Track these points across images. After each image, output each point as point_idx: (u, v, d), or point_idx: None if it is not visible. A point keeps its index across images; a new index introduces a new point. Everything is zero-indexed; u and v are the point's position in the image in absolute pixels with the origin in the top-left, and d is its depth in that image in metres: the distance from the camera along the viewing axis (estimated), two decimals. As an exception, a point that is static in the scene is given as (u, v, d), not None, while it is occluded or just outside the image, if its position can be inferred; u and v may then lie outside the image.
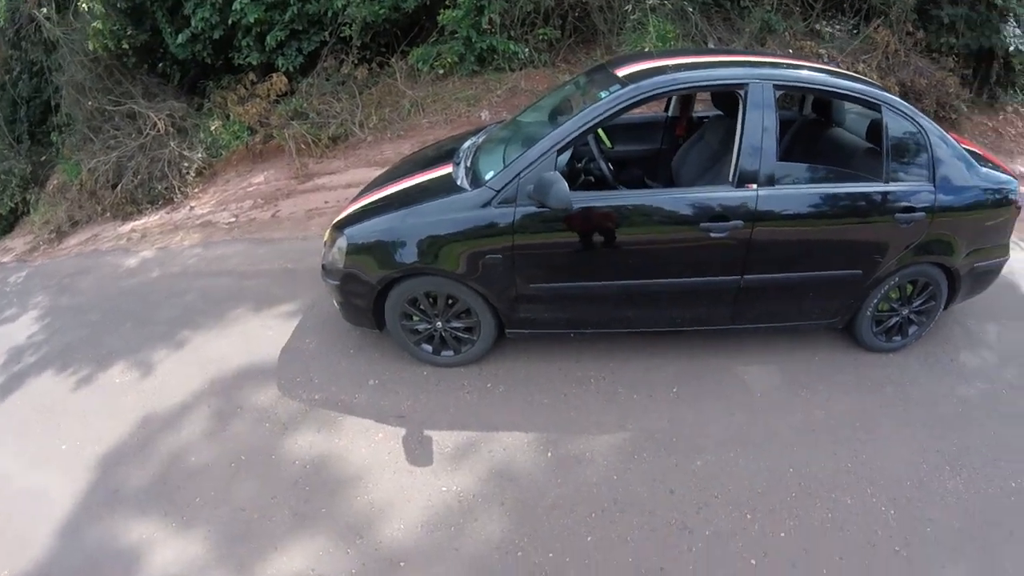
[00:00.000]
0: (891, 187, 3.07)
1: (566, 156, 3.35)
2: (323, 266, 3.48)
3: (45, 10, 7.03)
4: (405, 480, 2.88)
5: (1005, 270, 4.28)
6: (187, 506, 2.97)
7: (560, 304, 3.26)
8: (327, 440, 3.18)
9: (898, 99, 3.19)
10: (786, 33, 6.66)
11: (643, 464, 2.90)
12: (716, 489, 2.79)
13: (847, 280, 3.25)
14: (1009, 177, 3.39)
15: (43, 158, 8.71)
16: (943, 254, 3.28)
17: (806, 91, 3.58)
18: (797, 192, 3.05)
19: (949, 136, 3.27)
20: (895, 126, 3.07)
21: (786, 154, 3.54)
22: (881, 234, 3.15)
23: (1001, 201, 3.31)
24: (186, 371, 3.98)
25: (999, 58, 7.12)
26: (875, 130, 3.21)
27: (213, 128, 7.21)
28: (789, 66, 3.40)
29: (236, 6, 6.60)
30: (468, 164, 3.33)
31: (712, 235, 2.98)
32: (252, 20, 6.69)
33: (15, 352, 4.90)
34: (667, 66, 3.18)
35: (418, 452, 3.00)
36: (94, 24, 6.68)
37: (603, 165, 3.42)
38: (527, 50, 6.74)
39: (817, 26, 7.16)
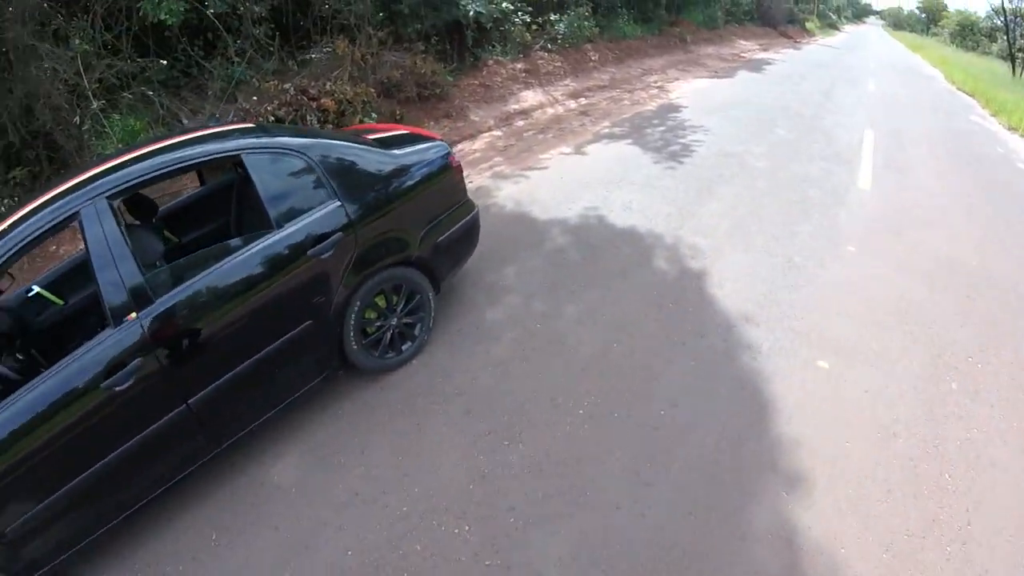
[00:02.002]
0: (285, 230, 2.91)
1: None
2: None
3: None
4: None
5: (511, 206, 4.92)
6: None
7: (51, 526, 2.69)
8: None
9: (257, 139, 3.03)
10: (254, 79, 7.08)
11: None
12: None
13: (303, 334, 3.04)
14: (432, 144, 3.44)
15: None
16: (393, 253, 3.26)
17: (148, 182, 2.91)
18: (185, 291, 2.75)
19: (348, 139, 3.24)
20: (262, 168, 2.91)
21: (238, 223, 3.57)
22: (306, 277, 2.97)
23: (433, 172, 3.38)
24: None
25: (469, 26, 8.09)
26: (247, 183, 3.02)
27: None
28: (120, 166, 2.88)
29: None
30: None
31: (119, 389, 2.57)
32: None
33: None
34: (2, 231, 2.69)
35: None
36: None
37: (1, 370, 2.85)
38: (6, 200, 5.96)
39: (290, 60, 7.72)
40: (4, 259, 2.61)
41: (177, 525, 2.90)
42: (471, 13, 7.95)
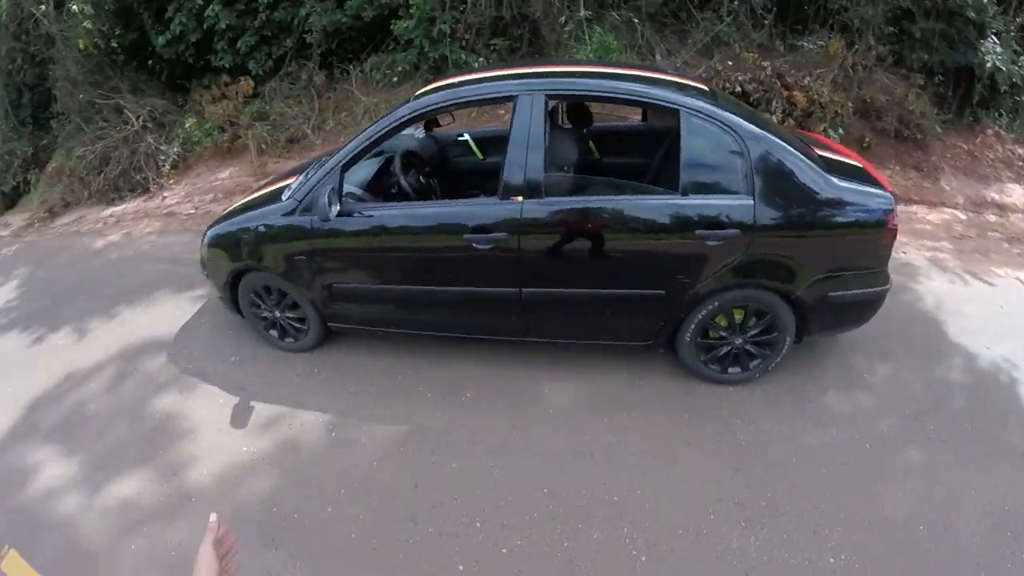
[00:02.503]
0: (686, 200, 2.88)
1: (370, 171, 3.94)
2: (200, 260, 4.30)
3: (43, 7, 7.99)
4: (222, 438, 3.64)
5: (928, 303, 4.19)
6: (75, 441, 3.94)
7: (359, 302, 3.67)
8: (183, 401, 4.02)
9: (703, 103, 2.93)
10: (736, 45, 6.88)
11: (404, 457, 3.22)
12: (459, 493, 2.93)
13: (648, 299, 3.13)
14: (879, 192, 2.99)
15: (44, 142, 9.79)
16: (776, 279, 3.01)
17: (585, 99, 3.43)
18: (568, 204, 3.02)
19: (794, 144, 2.98)
20: (694, 133, 2.88)
21: (656, 170, 3.73)
22: (682, 252, 2.98)
23: (861, 221, 2.93)
24: (110, 339, 5.01)
25: (982, 78, 6.65)
26: (673, 138, 3.09)
27: (188, 125, 8.16)
28: (569, 75, 3.28)
29: (210, 12, 7.53)
30: (306, 176, 3.73)
31: (476, 246, 3.06)
32: (224, 25, 7.60)
33: None
34: (453, 83, 3.39)
35: (239, 418, 3.76)
36: (84, 24, 7.58)
37: (402, 180, 3.71)
38: (480, 59, 7.25)
39: (779, 40, 7.35)
40: (453, 104, 3.29)
41: (458, 369, 3.75)
42: (988, 65, 6.52)
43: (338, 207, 3.24)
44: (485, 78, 3.40)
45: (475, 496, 2.91)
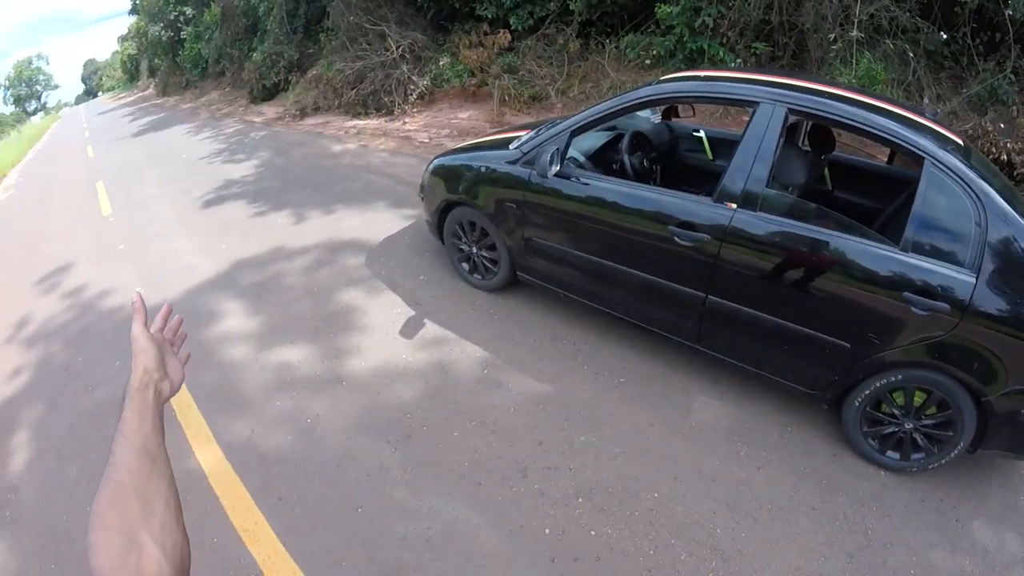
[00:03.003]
0: (904, 256, 2.59)
1: (597, 142, 4.02)
2: (420, 184, 4.65)
3: None
4: (388, 341, 3.97)
5: None
6: (263, 302, 4.49)
7: (551, 261, 3.78)
8: (367, 299, 4.44)
9: (954, 158, 2.62)
10: (1014, 107, 6.01)
11: (539, 414, 3.29)
12: (576, 464, 2.97)
13: (830, 347, 2.86)
14: None
15: (309, 51, 11.01)
16: (970, 372, 2.60)
17: (826, 122, 3.02)
18: (779, 225, 2.84)
19: None
20: (935, 187, 2.61)
21: (888, 218, 3.44)
22: (882, 310, 2.69)
23: None
24: (321, 229, 5.67)
25: None
26: (912, 189, 2.85)
27: (442, 63, 8.82)
28: (818, 93, 3.02)
29: None
30: (536, 133, 3.88)
31: (677, 240, 3.04)
32: None
33: (229, 183, 7.41)
34: (699, 76, 3.38)
35: (409, 329, 4.06)
36: None
37: (626, 159, 3.80)
38: (738, 60, 7.08)
39: None
40: (693, 96, 3.39)
41: (622, 350, 3.79)
42: None
43: (558, 167, 3.36)
44: (732, 78, 3.33)
45: (588, 474, 2.93)
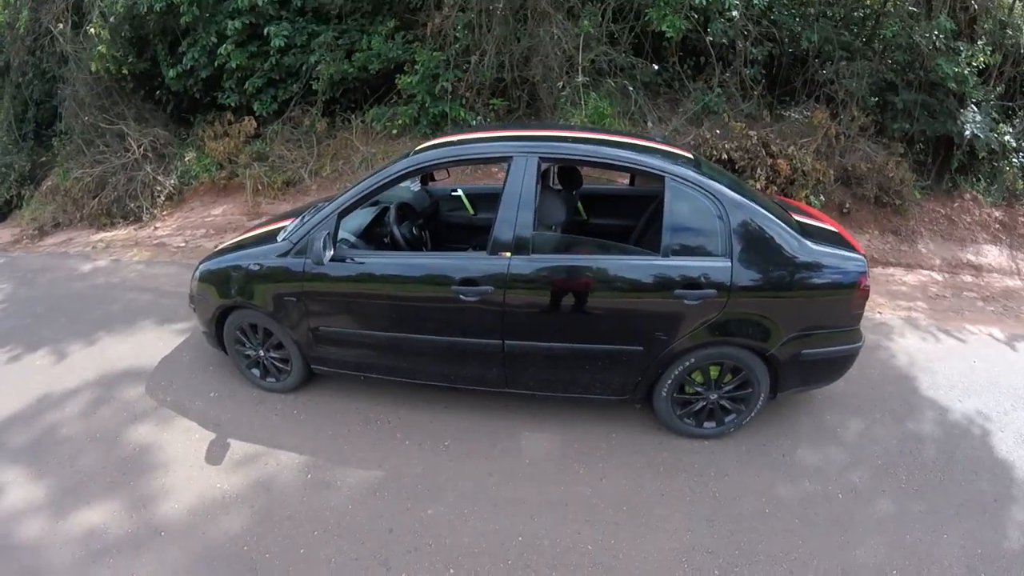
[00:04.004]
0: (667, 260, 3.03)
1: (365, 219, 4.07)
2: (189, 294, 4.34)
3: (61, 26, 8.21)
4: (195, 473, 3.65)
5: (901, 360, 4.32)
6: (44, 464, 3.91)
7: (344, 346, 3.75)
8: (159, 432, 4.03)
9: (687, 170, 3.12)
10: (725, 114, 7.22)
11: (379, 502, 3.25)
12: (433, 539, 2.99)
13: (625, 355, 3.23)
14: (852, 255, 3.15)
15: (43, 159, 9.87)
16: (751, 337, 3.13)
17: (578, 163, 3.61)
18: (553, 261, 3.16)
19: (771, 209, 3.17)
20: (677, 198, 3.05)
21: (641, 232, 3.90)
22: (661, 310, 3.10)
23: (835, 282, 3.10)
24: (88, 364, 5.02)
25: (961, 145, 6.99)
26: (658, 202, 3.28)
27: (188, 159, 8.36)
28: (562, 139, 3.45)
29: (222, 50, 7.75)
30: (301, 220, 3.85)
31: (463, 298, 3.18)
32: (235, 65, 7.83)
33: None
34: (452, 141, 3.56)
35: (214, 454, 3.76)
36: (99, 47, 7.79)
37: (395, 230, 3.85)
38: (479, 117, 7.56)
39: (766, 111, 7.69)
40: (452, 161, 3.56)
41: (436, 416, 3.83)
42: (967, 133, 6.83)
43: (332, 252, 3.34)
44: (483, 138, 3.58)
45: (449, 543, 2.95)
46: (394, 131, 7.72)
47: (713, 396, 3.38)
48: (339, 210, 3.46)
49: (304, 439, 3.78)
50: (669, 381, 3.31)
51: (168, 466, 3.73)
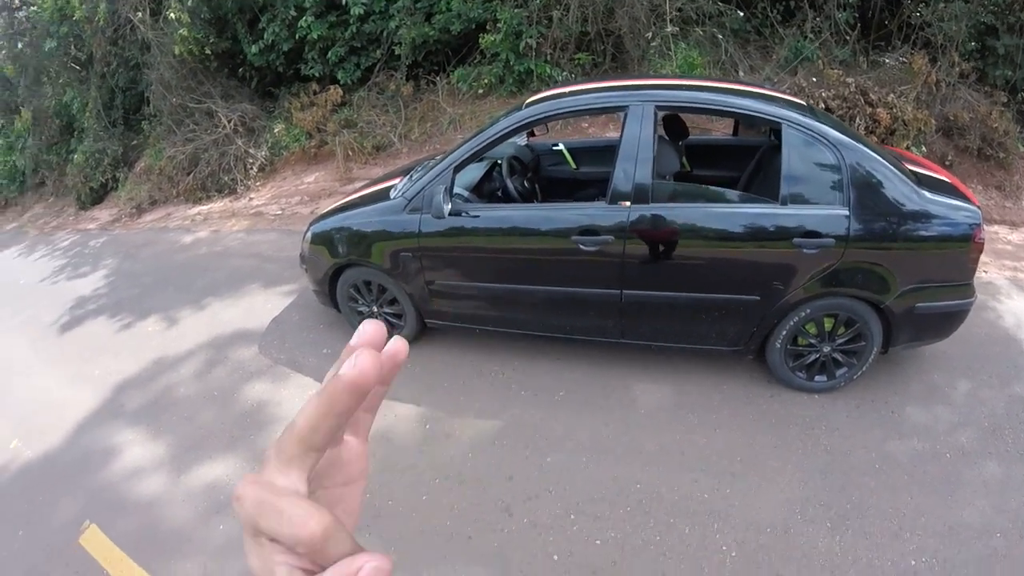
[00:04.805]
0: (785, 209, 2.95)
1: (478, 173, 4.02)
2: (300, 255, 4.37)
3: (140, 14, 8.35)
4: None
5: (1008, 322, 4.09)
6: (163, 423, 3.98)
7: (460, 300, 3.76)
8: (275, 389, 4.08)
9: (804, 118, 3.01)
10: (820, 61, 6.78)
11: (499, 451, 3.25)
12: (553, 486, 2.98)
13: (742, 305, 3.18)
14: (967, 207, 3.00)
15: (134, 142, 10.23)
16: (867, 288, 3.04)
17: (692, 111, 3.52)
18: (672, 210, 3.10)
19: (887, 158, 3.03)
20: (796, 145, 2.97)
21: (748, 180, 3.78)
22: (779, 259, 3.04)
23: (949, 234, 2.96)
24: (199, 328, 5.15)
25: None
26: (773, 152, 3.21)
27: (276, 131, 8.46)
28: (676, 87, 3.40)
29: (302, 23, 7.80)
30: (410, 178, 3.90)
31: (583, 248, 3.17)
32: (316, 36, 7.86)
33: (80, 300, 6.56)
34: (563, 93, 3.50)
35: None
36: (180, 31, 7.93)
37: (509, 184, 3.89)
38: (564, 73, 7.34)
39: (862, 56, 7.17)
40: (566, 112, 3.47)
41: (550, 368, 3.79)
42: None
43: (450, 205, 3.35)
44: (595, 88, 3.50)
45: (569, 490, 2.95)
46: (480, 91, 7.60)
47: (826, 348, 3.28)
48: (454, 164, 3.45)
49: (420, 391, 3.77)
50: (784, 332, 3.23)
51: (286, 421, 3.73)
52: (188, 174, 8.41)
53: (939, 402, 3.40)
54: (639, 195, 3.08)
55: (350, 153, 7.67)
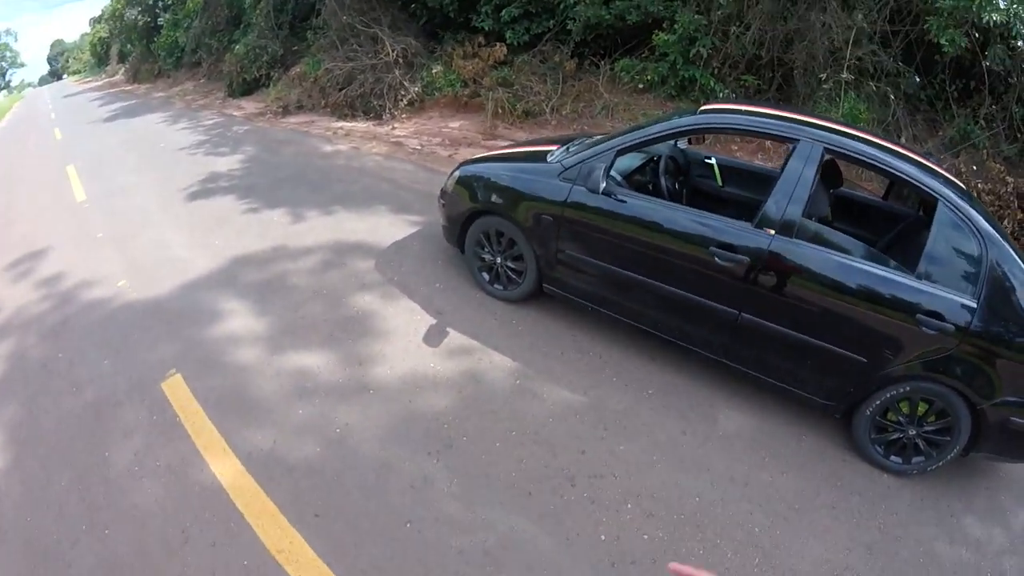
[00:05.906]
0: (919, 284, 2.92)
1: (634, 163, 4.05)
2: (441, 190, 4.49)
3: None
4: (412, 348, 3.80)
5: None
6: (270, 303, 4.19)
7: (584, 275, 3.77)
8: (383, 305, 4.23)
9: (961, 202, 2.98)
10: (984, 151, 6.37)
11: (578, 424, 3.28)
12: (620, 472, 3.02)
13: (849, 363, 3.13)
14: None
15: (294, 48, 10.65)
16: (970, 385, 2.94)
17: (857, 162, 3.33)
18: (813, 252, 3.08)
19: None
20: (946, 224, 2.95)
21: (886, 246, 3.69)
22: (897, 330, 2.99)
23: None
24: (322, 230, 5.39)
25: None
26: (920, 225, 3.20)
27: (434, 71, 8.66)
28: (849, 135, 3.30)
29: None
30: (566, 149, 3.96)
31: (717, 260, 3.19)
32: None
33: (214, 175, 7.01)
34: (742, 110, 3.51)
35: (433, 337, 3.89)
36: None
37: (662, 181, 3.88)
38: (727, 91, 7.20)
39: None
40: (740, 128, 3.53)
41: (647, 363, 3.79)
42: None
43: (605, 184, 3.42)
44: (772, 115, 3.48)
45: (633, 480, 2.98)
46: (640, 85, 7.54)
47: (912, 431, 3.18)
48: (619, 148, 3.52)
49: (519, 349, 3.80)
50: (878, 402, 3.16)
51: (387, 336, 3.89)
52: (340, 90, 8.72)
53: (998, 523, 3.23)
54: (785, 227, 3.09)
55: (499, 111, 7.78)
